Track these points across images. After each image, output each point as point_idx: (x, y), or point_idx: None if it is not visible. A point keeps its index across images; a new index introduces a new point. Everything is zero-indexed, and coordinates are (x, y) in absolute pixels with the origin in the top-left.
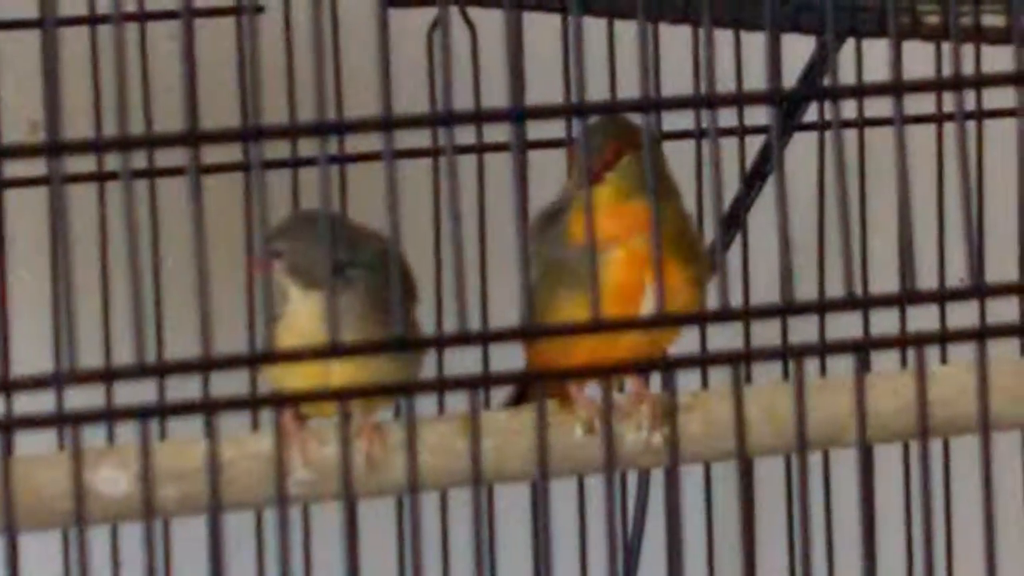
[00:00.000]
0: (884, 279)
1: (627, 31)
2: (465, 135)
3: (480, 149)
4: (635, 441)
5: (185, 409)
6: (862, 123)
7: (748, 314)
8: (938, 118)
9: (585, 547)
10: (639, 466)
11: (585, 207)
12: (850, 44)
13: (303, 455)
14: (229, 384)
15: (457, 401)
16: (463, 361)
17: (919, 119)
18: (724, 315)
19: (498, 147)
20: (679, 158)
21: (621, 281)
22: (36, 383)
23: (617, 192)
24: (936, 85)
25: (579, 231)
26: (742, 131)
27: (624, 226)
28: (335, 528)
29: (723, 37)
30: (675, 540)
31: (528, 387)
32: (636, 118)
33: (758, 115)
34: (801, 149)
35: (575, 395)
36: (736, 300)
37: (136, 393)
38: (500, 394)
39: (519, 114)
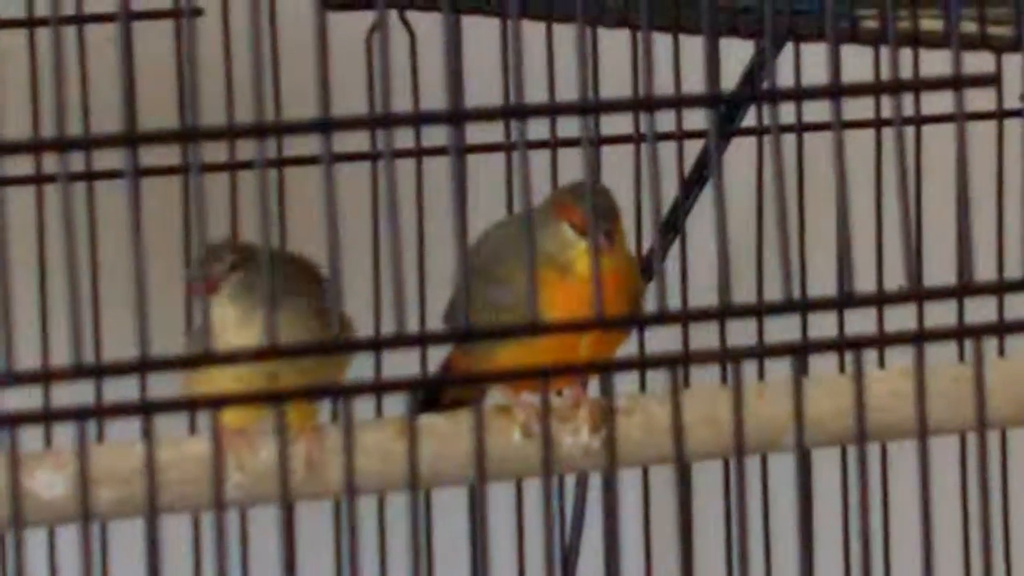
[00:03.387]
0: (822, 283)
1: (566, 35)
2: (404, 139)
3: (419, 153)
4: (573, 445)
5: (122, 410)
6: (800, 128)
7: (687, 317)
8: (876, 123)
9: (523, 551)
10: (577, 470)
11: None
12: (788, 49)
13: (237, 459)
14: (167, 387)
15: (394, 404)
16: (401, 364)
17: (858, 124)
18: (662, 318)
19: (437, 151)
20: (618, 162)
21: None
22: None
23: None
24: (874, 88)
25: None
26: (681, 135)
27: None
28: (273, 531)
29: (662, 41)
30: (613, 544)
31: (439, 393)
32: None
33: (697, 120)
34: (740, 153)
35: (513, 399)
36: (674, 303)
37: (73, 395)
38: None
39: (457, 116)
